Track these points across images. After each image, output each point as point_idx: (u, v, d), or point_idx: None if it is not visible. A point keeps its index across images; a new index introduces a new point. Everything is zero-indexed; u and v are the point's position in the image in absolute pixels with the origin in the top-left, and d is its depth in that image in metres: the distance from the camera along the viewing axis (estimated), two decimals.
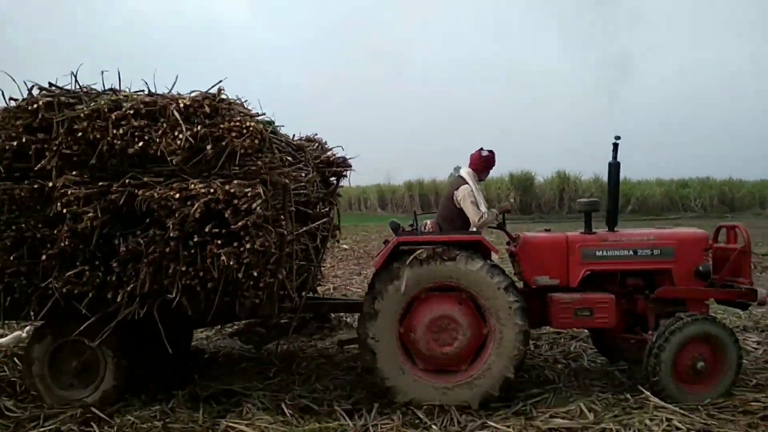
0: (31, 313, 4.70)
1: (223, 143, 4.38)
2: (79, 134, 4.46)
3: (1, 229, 4.56)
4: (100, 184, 4.51)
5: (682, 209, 37.25)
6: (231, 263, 4.34)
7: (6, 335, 6.87)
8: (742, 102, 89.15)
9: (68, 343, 4.98)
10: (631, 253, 5.49)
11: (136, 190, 4.45)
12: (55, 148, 4.49)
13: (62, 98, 4.61)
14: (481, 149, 6.23)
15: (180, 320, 4.80)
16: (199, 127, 4.39)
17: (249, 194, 4.29)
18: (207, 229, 4.35)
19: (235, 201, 4.30)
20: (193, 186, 4.39)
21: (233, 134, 4.34)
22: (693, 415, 4.62)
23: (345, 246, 17.03)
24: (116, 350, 4.99)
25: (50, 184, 4.49)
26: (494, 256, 5.36)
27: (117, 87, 4.90)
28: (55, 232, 4.49)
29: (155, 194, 4.39)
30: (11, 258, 4.55)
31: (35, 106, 4.51)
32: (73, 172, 4.53)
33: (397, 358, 5.02)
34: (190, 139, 4.36)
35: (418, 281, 4.99)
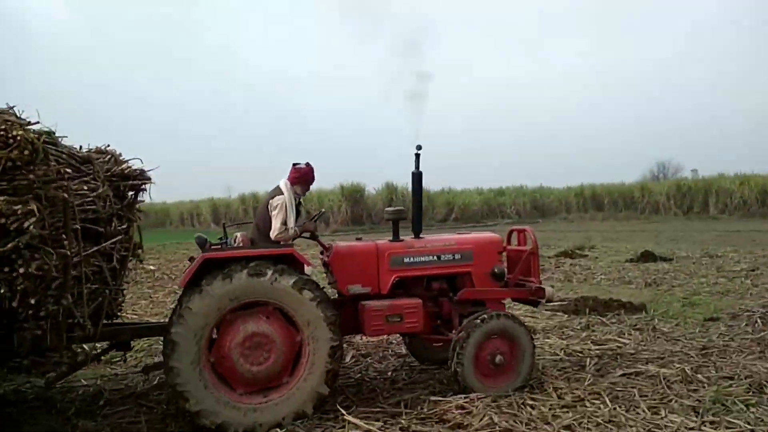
0: None
1: None
2: None
3: None
4: None
5: (500, 216, 40.14)
6: (2, 291, 3.88)
7: None
8: (550, 114, 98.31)
9: None
10: (436, 258, 5.75)
11: None
12: None
13: None
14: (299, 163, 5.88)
15: None
16: None
17: (19, 212, 3.85)
18: None
19: (3, 220, 3.84)
20: None
21: None
22: (389, 428, 4.69)
23: (151, 267, 15.59)
24: None
25: None
26: (307, 269, 5.29)
27: None
28: None
29: None
30: None
31: None
32: None
33: (209, 384, 4.76)
34: None
35: (224, 301, 4.79)
